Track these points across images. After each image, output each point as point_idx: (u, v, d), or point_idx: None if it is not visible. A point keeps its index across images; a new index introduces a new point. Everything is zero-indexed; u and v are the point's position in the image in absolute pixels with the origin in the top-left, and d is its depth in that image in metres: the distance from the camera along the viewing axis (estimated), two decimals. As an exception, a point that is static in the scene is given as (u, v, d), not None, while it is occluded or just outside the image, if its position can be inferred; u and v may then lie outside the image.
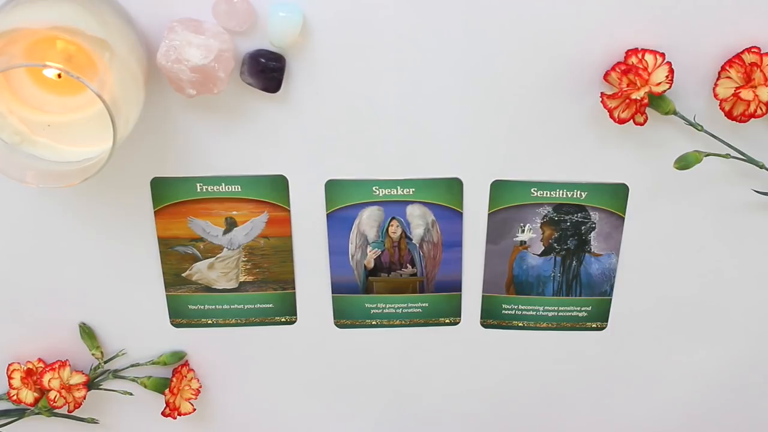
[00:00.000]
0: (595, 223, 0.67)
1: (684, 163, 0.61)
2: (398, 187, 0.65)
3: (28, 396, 0.68)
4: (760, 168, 0.63)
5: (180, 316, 0.70)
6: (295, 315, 0.71)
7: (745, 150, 0.62)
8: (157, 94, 0.60)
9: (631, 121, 0.60)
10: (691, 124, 0.61)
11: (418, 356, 0.73)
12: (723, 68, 0.59)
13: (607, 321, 0.71)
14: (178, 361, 0.71)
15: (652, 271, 0.69)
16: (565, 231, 0.67)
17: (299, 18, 0.57)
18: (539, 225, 0.67)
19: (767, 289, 0.70)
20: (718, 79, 0.59)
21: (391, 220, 0.67)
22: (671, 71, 0.58)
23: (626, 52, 0.59)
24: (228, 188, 0.65)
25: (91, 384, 0.70)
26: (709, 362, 0.73)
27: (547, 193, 0.66)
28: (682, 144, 0.63)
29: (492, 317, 0.71)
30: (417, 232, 0.67)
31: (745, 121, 0.60)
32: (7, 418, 0.71)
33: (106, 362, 0.70)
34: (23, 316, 0.69)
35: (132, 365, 0.71)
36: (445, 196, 0.66)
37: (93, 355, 0.70)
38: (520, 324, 0.72)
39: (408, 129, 0.62)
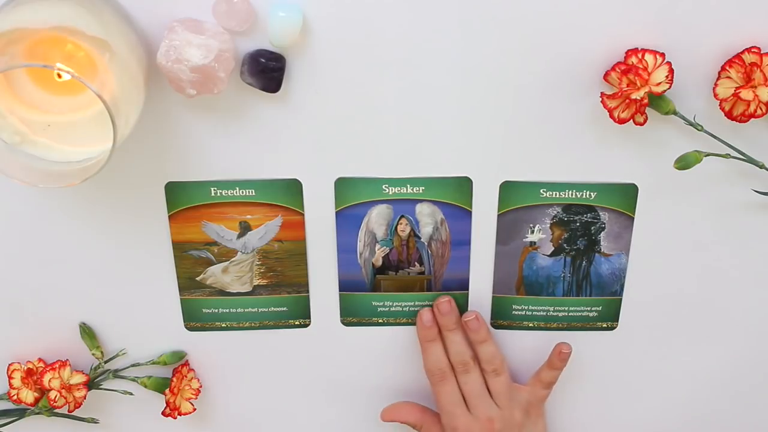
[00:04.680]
0: (604, 224, 0.67)
1: (684, 163, 0.61)
2: (408, 186, 0.65)
3: (28, 396, 0.69)
4: (760, 168, 0.63)
5: (194, 320, 0.70)
6: (309, 318, 0.71)
7: (745, 150, 0.62)
8: (157, 94, 0.60)
9: (631, 121, 0.60)
10: (691, 124, 0.61)
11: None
12: (723, 68, 0.59)
13: (617, 321, 0.71)
14: (179, 361, 0.71)
15: (662, 270, 0.69)
16: (575, 231, 0.67)
17: (299, 18, 0.57)
18: (549, 225, 0.67)
19: None
20: (718, 79, 0.59)
21: (400, 218, 0.67)
22: (671, 71, 0.58)
23: (626, 52, 0.59)
24: (242, 192, 0.65)
25: (91, 384, 0.70)
26: (719, 361, 0.73)
27: (556, 194, 0.66)
28: (683, 144, 0.63)
29: (502, 318, 0.71)
30: (426, 230, 0.67)
31: (745, 121, 0.60)
32: (7, 418, 0.71)
33: (106, 362, 0.70)
34: (24, 316, 0.69)
35: (132, 365, 0.71)
36: (454, 195, 0.66)
37: (93, 354, 0.70)
38: (530, 324, 0.72)
39: (409, 128, 0.62)
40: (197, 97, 0.58)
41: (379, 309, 0.71)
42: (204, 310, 0.70)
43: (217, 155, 0.63)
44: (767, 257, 0.68)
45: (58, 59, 0.50)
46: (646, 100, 0.58)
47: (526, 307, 0.71)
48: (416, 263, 0.69)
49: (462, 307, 0.71)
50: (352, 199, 0.66)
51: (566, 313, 0.71)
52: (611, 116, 0.60)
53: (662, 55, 0.58)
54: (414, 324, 0.71)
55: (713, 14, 0.58)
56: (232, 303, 0.70)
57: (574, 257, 0.69)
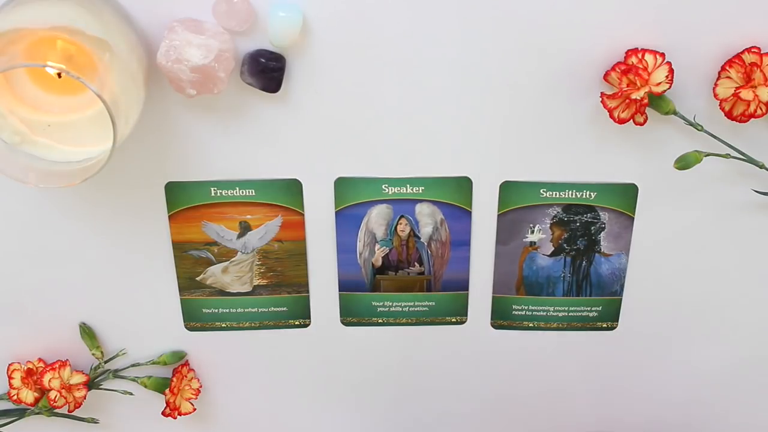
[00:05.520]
0: (604, 224, 0.67)
1: (684, 163, 0.61)
2: (408, 186, 0.65)
3: (28, 396, 0.69)
4: (760, 168, 0.63)
5: (194, 320, 0.70)
6: (309, 318, 0.71)
7: (745, 150, 0.62)
8: (157, 94, 0.60)
9: (631, 121, 0.60)
10: (691, 124, 0.61)
11: (424, 355, 0.73)
12: (723, 68, 0.59)
13: (617, 321, 0.71)
14: (179, 361, 0.71)
15: (662, 270, 0.69)
16: (575, 231, 0.67)
17: (299, 18, 0.57)
18: (549, 225, 0.67)
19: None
20: (718, 79, 0.59)
21: (399, 219, 0.67)
22: (671, 71, 0.58)
23: (626, 52, 0.59)
24: (242, 192, 0.65)
25: (91, 384, 0.70)
26: (719, 361, 0.73)
27: (556, 194, 0.66)
28: (683, 144, 0.63)
29: (502, 318, 0.71)
30: (425, 230, 0.67)
31: (745, 121, 0.60)
32: (7, 418, 0.71)
33: (106, 362, 0.70)
34: (24, 316, 0.69)
35: (132, 365, 0.71)
36: (454, 195, 0.66)
37: (93, 354, 0.70)
38: (530, 324, 0.72)
39: (409, 128, 0.62)
40: (197, 97, 0.58)
41: (378, 309, 0.71)
42: (204, 310, 0.70)
43: (217, 155, 0.63)
44: (767, 257, 0.68)
45: (58, 59, 0.50)
46: (646, 100, 0.58)
47: (526, 307, 0.71)
48: (416, 263, 0.69)
49: (460, 307, 0.71)
50: (352, 199, 0.66)
51: (566, 313, 0.71)
52: (611, 116, 0.60)
53: (662, 55, 0.58)
54: (414, 324, 0.71)
55: (713, 14, 0.58)
56: (232, 303, 0.70)
57: (574, 257, 0.69)
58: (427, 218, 0.67)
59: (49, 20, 0.49)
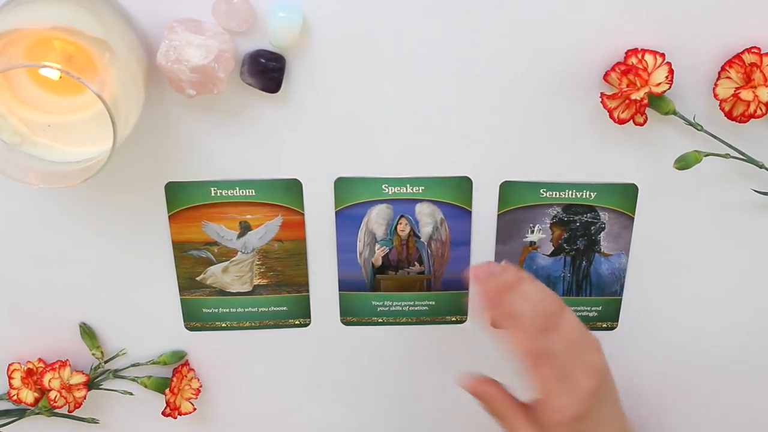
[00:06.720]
0: (604, 224, 0.67)
1: (683, 163, 0.61)
2: (408, 186, 0.65)
3: (28, 396, 0.69)
4: (760, 168, 0.63)
5: (194, 320, 0.70)
6: (309, 317, 0.71)
7: (745, 150, 0.62)
8: (157, 94, 0.60)
9: (631, 121, 0.60)
10: (690, 124, 0.61)
11: (424, 354, 0.73)
12: (723, 68, 0.59)
13: (617, 321, 0.71)
14: (179, 361, 0.71)
15: (662, 270, 0.69)
16: (575, 231, 0.67)
17: (299, 18, 0.57)
18: (549, 225, 0.67)
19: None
20: (718, 80, 0.59)
21: (399, 218, 0.67)
22: (671, 71, 0.58)
23: (626, 53, 0.59)
24: (242, 192, 0.65)
25: (91, 384, 0.70)
26: (719, 362, 0.73)
27: (556, 194, 0.66)
28: (683, 144, 0.63)
29: (503, 317, 0.72)
30: (425, 230, 0.68)
31: (745, 122, 0.60)
32: (7, 418, 0.71)
33: (106, 362, 0.70)
34: (24, 316, 0.69)
35: (132, 365, 0.71)
36: (454, 195, 0.66)
37: (93, 354, 0.70)
38: None
39: (409, 128, 0.62)
40: (197, 97, 0.58)
41: (378, 309, 0.71)
42: (204, 310, 0.70)
43: (217, 155, 0.63)
44: (767, 257, 0.68)
45: (58, 60, 0.50)
46: (645, 101, 0.58)
47: (526, 307, 0.71)
48: (416, 263, 0.69)
49: (461, 306, 0.71)
50: (352, 198, 0.66)
51: (566, 313, 0.71)
52: (611, 116, 0.60)
53: (662, 55, 0.58)
54: (414, 324, 0.71)
55: (713, 14, 0.58)
56: (232, 303, 0.70)
57: (574, 257, 0.69)
58: (427, 218, 0.67)
59: (49, 20, 0.49)
